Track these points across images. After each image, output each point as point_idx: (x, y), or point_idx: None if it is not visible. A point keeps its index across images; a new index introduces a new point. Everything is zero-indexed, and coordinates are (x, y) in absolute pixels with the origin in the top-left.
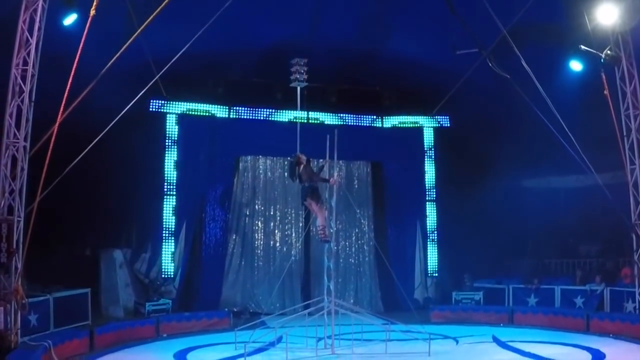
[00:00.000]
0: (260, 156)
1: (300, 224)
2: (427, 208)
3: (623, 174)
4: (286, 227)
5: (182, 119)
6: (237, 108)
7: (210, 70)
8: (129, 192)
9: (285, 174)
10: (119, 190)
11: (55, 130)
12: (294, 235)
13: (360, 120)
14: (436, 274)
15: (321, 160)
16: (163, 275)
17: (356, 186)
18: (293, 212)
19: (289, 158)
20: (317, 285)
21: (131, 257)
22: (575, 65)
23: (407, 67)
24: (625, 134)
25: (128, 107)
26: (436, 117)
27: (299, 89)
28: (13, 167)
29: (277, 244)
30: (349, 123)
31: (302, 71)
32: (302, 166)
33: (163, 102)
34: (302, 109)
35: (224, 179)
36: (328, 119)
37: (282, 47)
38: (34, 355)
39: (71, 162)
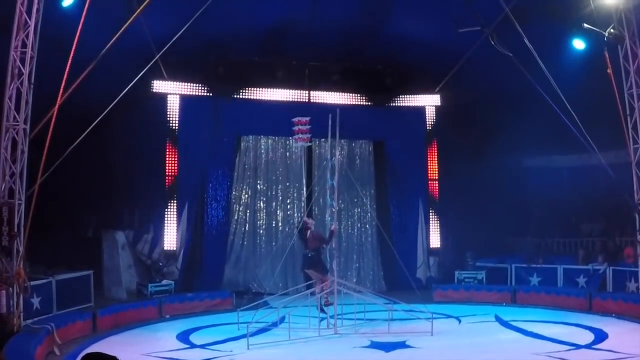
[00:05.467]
0: (262, 136)
1: (302, 204)
2: (430, 187)
3: (626, 153)
4: (288, 206)
5: (183, 99)
6: (239, 88)
7: (211, 50)
8: (131, 173)
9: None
10: (121, 172)
11: (55, 113)
12: (296, 214)
13: (362, 99)
14: (438, 253)
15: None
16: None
17: (358, 165)
18: (295, 191)
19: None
20: None
21: (133, 238)
22: (578, 44)
23: (409, 45)
24: (628, 112)
25: (128, 87)
26: (438, 95)
27: (302, 149)
28: (13, 150)
29: (279, 224)
30: (351, 102)
31: (305, 130)
32: (309, 231)
33: (164, 82)
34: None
35: (225, 159)
36: (330, 98)
37: (284, 25)
38: (37, 338)
39: (72, 144)
